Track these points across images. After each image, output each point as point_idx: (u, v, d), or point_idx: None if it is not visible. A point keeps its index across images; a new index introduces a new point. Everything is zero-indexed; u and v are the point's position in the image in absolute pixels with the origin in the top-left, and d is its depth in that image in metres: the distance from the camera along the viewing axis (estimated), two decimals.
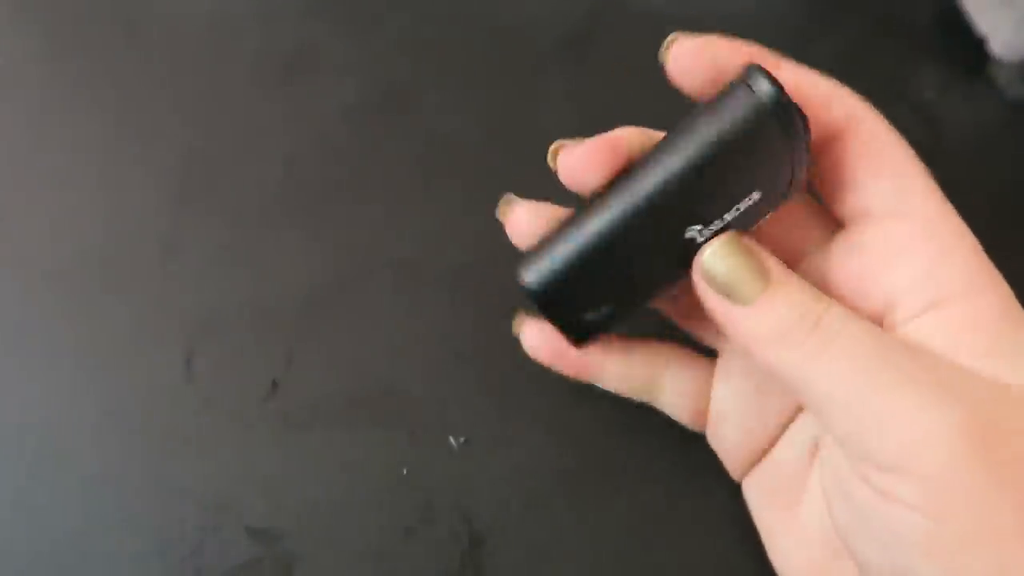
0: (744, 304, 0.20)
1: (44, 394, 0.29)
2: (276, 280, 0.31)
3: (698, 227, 0.21)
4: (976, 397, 0.18)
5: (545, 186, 0.33)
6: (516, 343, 0.30)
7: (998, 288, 0.20)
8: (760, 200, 0.21)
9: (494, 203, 0.32)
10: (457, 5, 0.37)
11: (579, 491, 0.27)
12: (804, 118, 0.20)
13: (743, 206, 0.21)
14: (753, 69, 0.20)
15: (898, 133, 0.22)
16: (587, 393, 0.27)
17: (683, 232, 0.21)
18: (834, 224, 0.23)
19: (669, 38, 0.22)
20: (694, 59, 0.21)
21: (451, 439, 0.28)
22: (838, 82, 0.22)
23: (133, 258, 0.31)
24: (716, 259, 0.21)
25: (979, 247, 0.21)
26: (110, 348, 0.30)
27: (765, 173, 0.20)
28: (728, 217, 0.21)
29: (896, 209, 0.21)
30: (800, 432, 0.24)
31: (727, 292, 0.20)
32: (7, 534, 0.27)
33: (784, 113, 0.19)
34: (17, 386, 0.29)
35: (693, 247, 0.21)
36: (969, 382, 0.19)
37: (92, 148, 0.34)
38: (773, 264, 0.21)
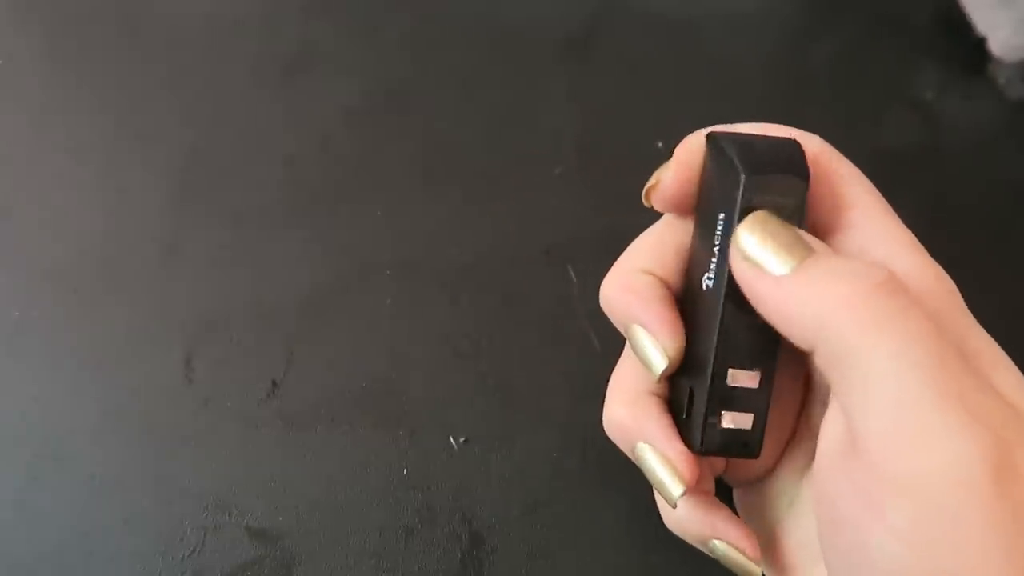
0: (787, 270, 0.18)
1: (44, 394, 0.29)
2: (276, 280, 0.31)
3: (706, 274, 0.21)
4: (1004, 427, 0.16)
5: (545, 186, 0.33)
6: (515, 343, 0.30)
7: (942, 289, 0.20)
8: (726, 220, 0.20)
9: (494, 203, 0.32)
10: (458, 6, 0.37)
11: (579, 491, 0.27)
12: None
13: (719, 228, 0.21)
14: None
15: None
16: (587, 393, 0.27)
17: (701, 282, 0.21)
18: None
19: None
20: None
21: (451, 439, 0.28)
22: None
23: (133, 258, 0.31)
24: (752, 230, 0.19)
25: (915, 241, 0.20)
26: (110, 348, 0.30)
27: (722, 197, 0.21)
28: (716, 244, 0.21)
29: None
30: (798, 447, 0.23)
31: (765, 261, 0.19)
32: (8, 534, 0.27)
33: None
34: (17, 386, 0.29)
35: (707, 296, 0.21)
36: (999, 407, 0.17)
37: (92, 148, 0.34)
38: (815, 240, 0.19)
